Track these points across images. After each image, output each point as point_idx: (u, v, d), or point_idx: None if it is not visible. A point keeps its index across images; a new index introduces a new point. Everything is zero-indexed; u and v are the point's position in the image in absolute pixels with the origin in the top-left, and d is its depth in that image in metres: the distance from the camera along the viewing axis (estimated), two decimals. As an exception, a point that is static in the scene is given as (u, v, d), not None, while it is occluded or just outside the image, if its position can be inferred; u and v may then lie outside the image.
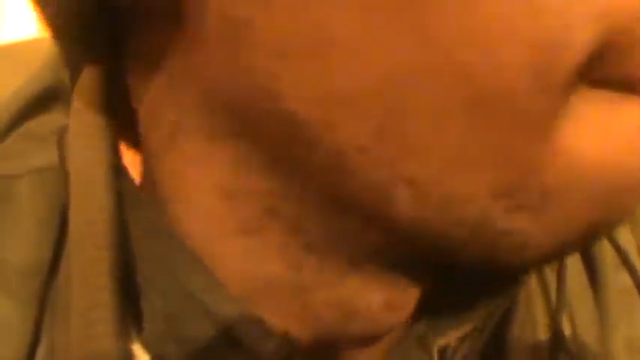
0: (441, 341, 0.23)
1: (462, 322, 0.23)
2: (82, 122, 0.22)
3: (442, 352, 0.23)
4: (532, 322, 0.25)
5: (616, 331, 0.26)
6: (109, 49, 0.22)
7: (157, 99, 0.20)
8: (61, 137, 0.23)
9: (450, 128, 0.15)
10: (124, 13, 0.20)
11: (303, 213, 0.19)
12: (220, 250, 0.20)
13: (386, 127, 0.16)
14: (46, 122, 0.24)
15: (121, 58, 0.22)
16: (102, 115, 0.22)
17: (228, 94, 0.18)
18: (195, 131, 0.19)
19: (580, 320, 0.26)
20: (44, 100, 0.25)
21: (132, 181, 0.22)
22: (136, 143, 0.22)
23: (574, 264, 0.27)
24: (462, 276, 0.22)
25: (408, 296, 0.22)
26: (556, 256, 0.20)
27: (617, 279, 0.27)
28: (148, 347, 0.21)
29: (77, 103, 0.22)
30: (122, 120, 0.22)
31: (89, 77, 0.22)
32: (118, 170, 0.21)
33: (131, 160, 0.22)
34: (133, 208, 0.21)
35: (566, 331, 0.26)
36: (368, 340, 0.22)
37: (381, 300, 0.21)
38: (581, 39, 0.14)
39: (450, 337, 0.23)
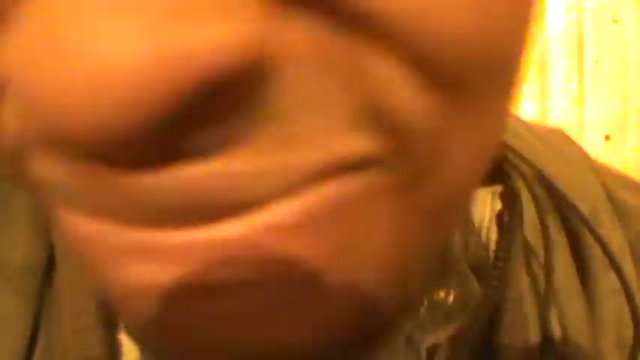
0: (430, 340, 0.23)
1: (450, 321, 0.23)
2: None
3: (431, 351, 0.23)
4: (522, 323, 0.25)
5: (606, 331, 0.26)
6: None
7: None
8: None
9: None
10: None
11: None
12: None
13: None
14: None
15: None
16: None
17: None
18: None
19: (570, 320, 0.26)
20: None
21: None
22: None
23: (564, 264, 0.27)
24: None
25: None
26: None
27: (607, 279, 0.27)
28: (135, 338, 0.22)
29: None
30: None
31: None
32: None
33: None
34: None
35: (557, 331, 0.26)
36: None
37: None
38: None
39: (438, 336, 0.23)
